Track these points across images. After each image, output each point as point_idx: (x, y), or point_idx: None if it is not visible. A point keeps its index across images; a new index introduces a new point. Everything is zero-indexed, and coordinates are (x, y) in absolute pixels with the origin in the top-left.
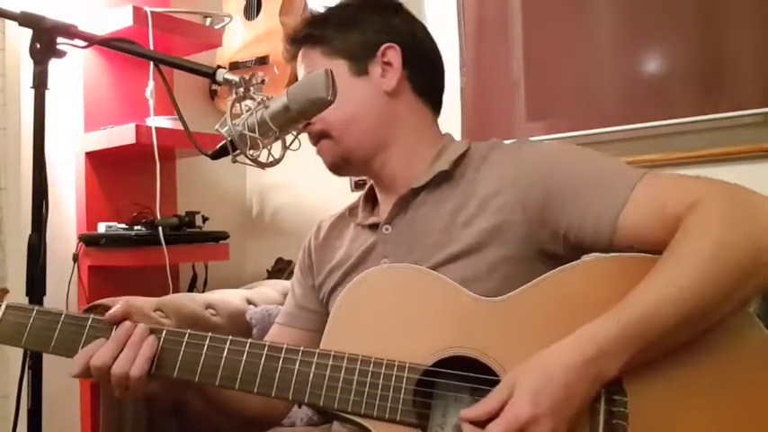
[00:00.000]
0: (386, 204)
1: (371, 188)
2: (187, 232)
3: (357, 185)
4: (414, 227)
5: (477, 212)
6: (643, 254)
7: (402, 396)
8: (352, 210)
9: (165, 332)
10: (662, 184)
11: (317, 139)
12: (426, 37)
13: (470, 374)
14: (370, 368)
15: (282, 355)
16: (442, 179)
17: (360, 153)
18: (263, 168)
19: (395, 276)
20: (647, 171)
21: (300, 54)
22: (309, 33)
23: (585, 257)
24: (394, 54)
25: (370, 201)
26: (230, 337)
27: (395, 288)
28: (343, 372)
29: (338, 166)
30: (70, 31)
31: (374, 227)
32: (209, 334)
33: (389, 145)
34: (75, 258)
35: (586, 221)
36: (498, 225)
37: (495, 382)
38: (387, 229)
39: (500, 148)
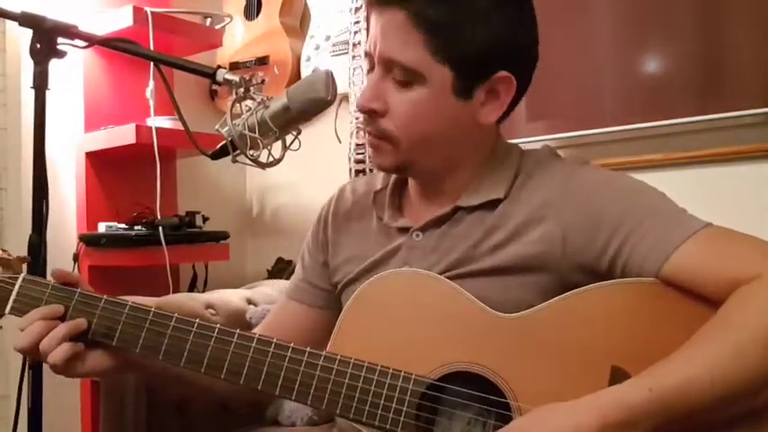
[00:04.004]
0: (421, 207)
1: (402, 181)
2: (187, 232)
3: None
4: (445, 240)
5: (512, 236)
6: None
7: (405, 408)
8: (376, 196)
9: (196, 324)
10: (728, 240)
11: (378, 136)
12: (535, 46)
13: (476, 393)
14: (375, 376)
15: (289, 354)
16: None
17: (421, 168)
18: (263, 168)
19: (413, 282)
20: (710, 223)
21: (387, 18)
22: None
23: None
24: (506, 88)
25: (397, 195)
26: (237, 330)
27: (411, 294)
28: (347, 377)
29: (389, 170)
30: (70, 32)
31: (402, 230)
32: (218, 325)
33: (459, 166)
34: (76, 258)
35: (635, 255)
36: (535, 256)
37: (502, 404)
38: (417, 236)
39: (548, 167)
